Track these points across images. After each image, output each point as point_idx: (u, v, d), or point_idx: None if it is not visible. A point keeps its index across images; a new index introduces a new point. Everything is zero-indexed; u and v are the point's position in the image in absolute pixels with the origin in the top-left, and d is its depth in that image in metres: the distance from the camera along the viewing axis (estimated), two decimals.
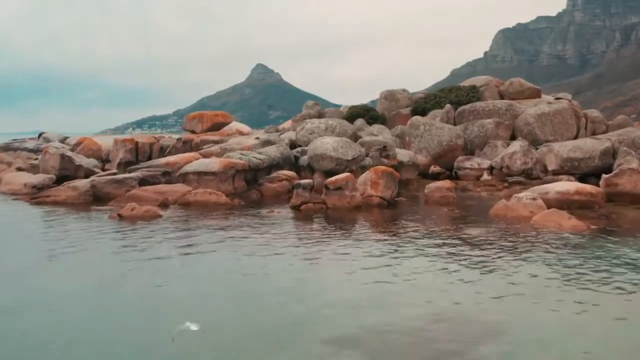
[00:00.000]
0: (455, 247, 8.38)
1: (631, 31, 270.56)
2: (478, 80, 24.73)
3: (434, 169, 18.75)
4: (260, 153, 15.85)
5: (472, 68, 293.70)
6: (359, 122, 21.49)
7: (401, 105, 23.47)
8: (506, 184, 15.95)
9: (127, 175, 14.05)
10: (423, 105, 22.61)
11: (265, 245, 8.61)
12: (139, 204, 12.83)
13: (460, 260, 7.54)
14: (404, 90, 23.99)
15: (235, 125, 33.02)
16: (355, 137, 18.64)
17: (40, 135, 36.07)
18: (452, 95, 23.00)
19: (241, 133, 30.67)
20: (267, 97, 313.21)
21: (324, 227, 10.24)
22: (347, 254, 7.96)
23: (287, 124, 24.52)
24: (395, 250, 8.16)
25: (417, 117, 19.93)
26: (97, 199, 13.48)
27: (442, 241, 8.78)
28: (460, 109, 21.76)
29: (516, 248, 8.27)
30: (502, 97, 24.08)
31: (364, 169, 15.69)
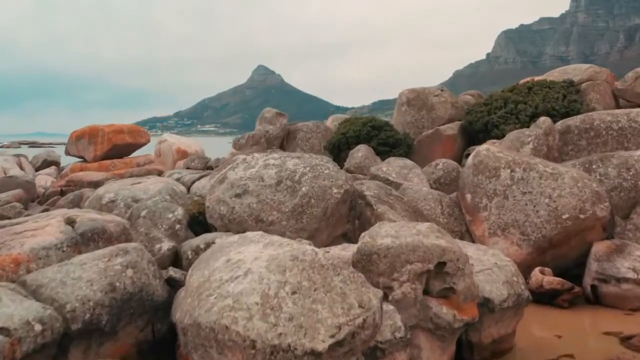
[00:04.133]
0: None
1: (635, 32, 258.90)
2: (574, 70, 13.30)
3: (543, 277, 7.40)
4: (29, 295, 4.57)
5: (474, 69, 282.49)
6: (361, 153, 10.18)
7: (439, 115, 12.12)
8: None
9: None
10: (485, 117, 11.27)
11: None
12: None
13: None
14: (442, 90, 12.58)
15: (175, 141, 21.60)
16: (351, 204, 7.32)
17: None
18: (536, 99, 11.64)
19: (184, 155, 19.31)
20: (268, 98, 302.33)
21: None
22: None
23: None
24: None
25: (492, 149, 8.50)
26: None
27: None
28: (561, 124, 10.46)
29: None
30: (616, 100, 12.85)
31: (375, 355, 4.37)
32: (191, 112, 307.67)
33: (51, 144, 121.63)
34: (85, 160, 15.21)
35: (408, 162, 10.04)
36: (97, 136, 14.84)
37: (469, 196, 8.36)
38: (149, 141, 16.57)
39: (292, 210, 6.73)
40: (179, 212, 7.14)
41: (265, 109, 12.71)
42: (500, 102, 11.40)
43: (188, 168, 11.95)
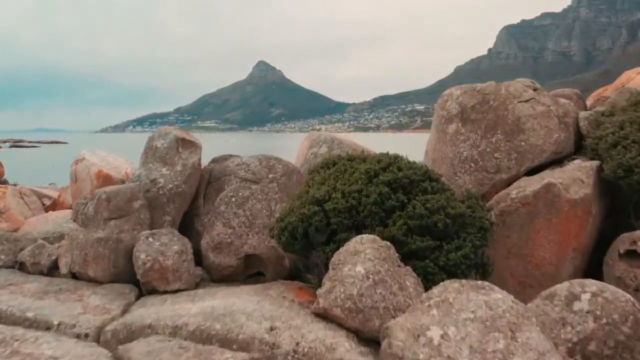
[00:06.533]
0: None
1: (638, 28, 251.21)
2: None
3: None
4: None
5: (476, 65, 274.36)
6: (363, 266, 3.55)
7: (535, 145, 5.37)
8: None
9: None
10: None
11: None
12: None
13: None
14: (534, 87, 5.90)
15: (97, 161, 14.64)
16: None
17: None
18: None
19: (108, 181, 12.50)
20: (269, 94, 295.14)
21: None
22: None
23: None
24: None
25: None
26: None
27: None
28: None
29: None
30: None
31: None
32: (191, 108, 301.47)
33: (39, 141, 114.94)
34: None
35: (499, 298, 3.35)
36: None
37: None
38: (1, 174, 9.90)
39: None
40: None
41: (159, 130, 5.99)
42: None
43: None
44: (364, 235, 3.89)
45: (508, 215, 4.67)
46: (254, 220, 5.08)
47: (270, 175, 5.55)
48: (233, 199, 5.17)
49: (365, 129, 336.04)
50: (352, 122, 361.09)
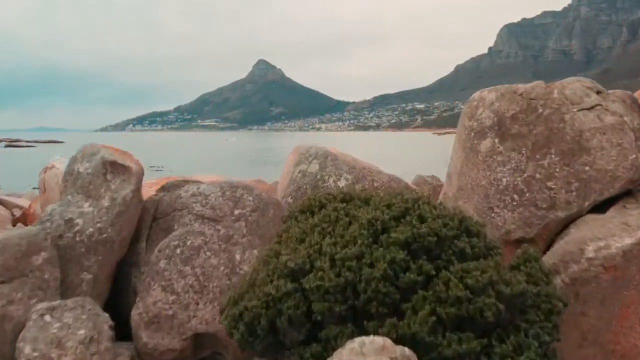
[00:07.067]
0: None
1: (638, 26, 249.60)
2: None
3: None
4: None
5: (476, 64, 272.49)
6: None
7: (603, 169, 3.88)
8: None
9: None
10: None
11: None
12: None
13: None
14: (597, 89, 4.42)
15: None
16: None
17: None
18: None
19: None
20: (269, 93, 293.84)
21: None
22: None
23: None
24: None
25: None
26: None
27: None
28: None
29: None
30: None
31: None
32: (192, 107, 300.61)
33: (36, 141, 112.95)
34: None
35: None
36: None
37: None
38: None
39: None
40: None
41: (84, 147, 4.39)
42: None
43: None
44: (366, 339, 2.34)
45: (583, 284, 3.11)
46: (207, 282, 3.53)
47: (237, 212, 4.00)
48: (178, 251, 3.62)
49: (366, 128, 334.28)
50: (352, 121, 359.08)
